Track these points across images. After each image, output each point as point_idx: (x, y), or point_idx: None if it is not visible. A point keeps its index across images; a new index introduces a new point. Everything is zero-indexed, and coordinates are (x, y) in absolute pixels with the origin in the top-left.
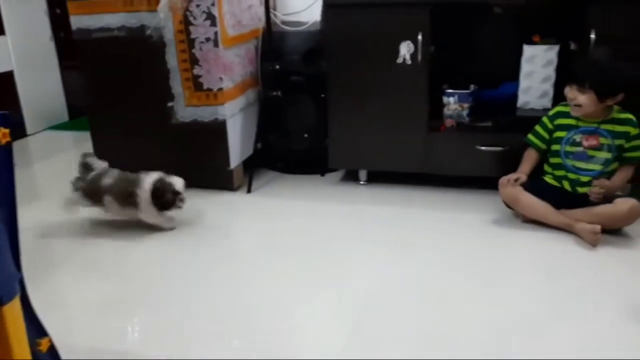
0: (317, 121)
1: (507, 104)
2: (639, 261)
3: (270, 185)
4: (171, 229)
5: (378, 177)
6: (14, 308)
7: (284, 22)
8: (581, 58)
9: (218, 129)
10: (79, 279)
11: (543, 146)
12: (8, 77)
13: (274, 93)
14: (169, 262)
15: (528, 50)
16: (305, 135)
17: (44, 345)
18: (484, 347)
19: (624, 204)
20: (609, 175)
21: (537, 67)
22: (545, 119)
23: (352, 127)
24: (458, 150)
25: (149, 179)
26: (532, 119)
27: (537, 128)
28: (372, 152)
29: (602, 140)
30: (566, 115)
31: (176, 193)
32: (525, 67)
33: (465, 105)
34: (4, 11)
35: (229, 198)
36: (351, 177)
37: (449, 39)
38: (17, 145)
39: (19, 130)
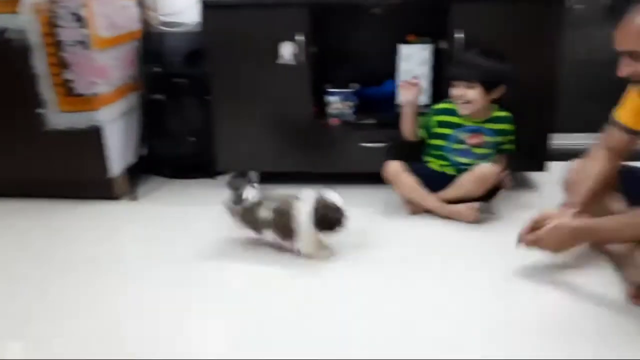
0: (203, 124)
1: (389, 102)
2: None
3: (158, 192)
4: (327, 258)
5: (269, 177)
6: None
7: (164, 24)
8: (460, 57)
9: (95, 136)
10: None
11: (424, 134)
12: None
13: (157, 96)
14: (60, 275)
15: (403, 49)
16: (192, 139)
17: None
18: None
19: (480, 167)
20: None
21: (413, 66)
22: (430, 113)
23: (237, 128)
24: (343, 147)
25: (306, 205)
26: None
27: (421, 119)
28: (259, 152)
29: (486, 138)
30: (451, 112)
31: (339, 210)
32: (402, 65)
33: (349, 103)
34: None
35: (111, 208)
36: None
37: (331, 39)
38: None
39: None
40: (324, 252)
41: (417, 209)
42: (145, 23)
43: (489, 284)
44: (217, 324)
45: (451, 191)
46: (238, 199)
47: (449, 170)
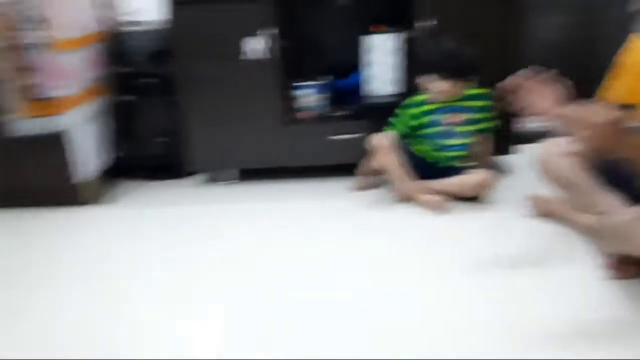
0: (174, 123)
1: (358, 93)
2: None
3: (133, 195)
4: None
5: (244, 175)
6: None
7: (128, 23)
8: (428, 48)
9: (60, 141)
10: None
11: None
12: None
13: (126, 97)
14: (18, 285)
15: (367, 40)
16: (163, 139)
17: None
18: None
19: (475, 176)
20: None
21: (379, 56)
22: (403, 109)
23: (208, 127)
24: (315, 140)
25: None
26: (379, 105)
27: (396, 118)
28: (232, 150)
29: (464, 115)
30: (423, 102)
31: None
32: (366, 56)
33: (322, 96)
34: None
35: (81, 213)
36: (218, 178)
37: (299, 33)
38: None
39: None
40: None
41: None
42: (110, 23)
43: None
44: (200, 328)
45: (442, 186)
46: None
47: (441, 159)
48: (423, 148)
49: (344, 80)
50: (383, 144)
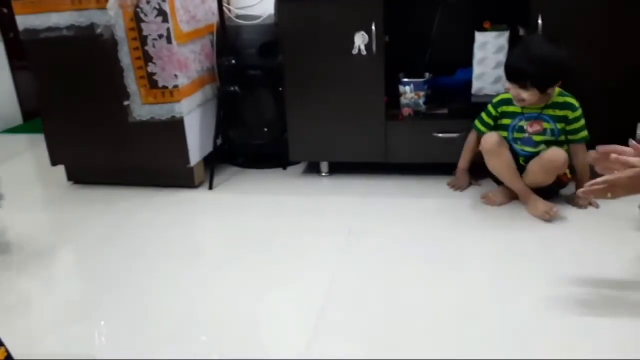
0: (276, 115)
1: (463, 91)
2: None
3: (232, 181)
4: None
5: (340, 168)
6: None
7: (238, 16)
8: (515, 52)
9: (176, 127)
10: (41, 285)
11: (487, 132)
12: None
13: (232, 88)
14: (136, 259)
15: (479, 37)
16: (265, 129)
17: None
18: (452, 330)
19: (547, 153)
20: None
21: (489, 54)
22: (490, 107)
23: (310, 119)
24: (416, 138)
25: None
26: (486, 104)
27: (483, 115)
28: (332, 143)
29: (545, 125)
30: (510, 102)
31: None
32: (477, 53)
33: (422, 93)
34: None
35: (190, 195)
36: (313, 169)
37: (404, 28)
38: None
39: None
40: None
41: (492, 200)
42: (221, 16)
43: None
44: (292, 310)
45: (529, 174)
46: None
47: (519, 160)
48: None
49: (447, 77)
50: (496, 141)
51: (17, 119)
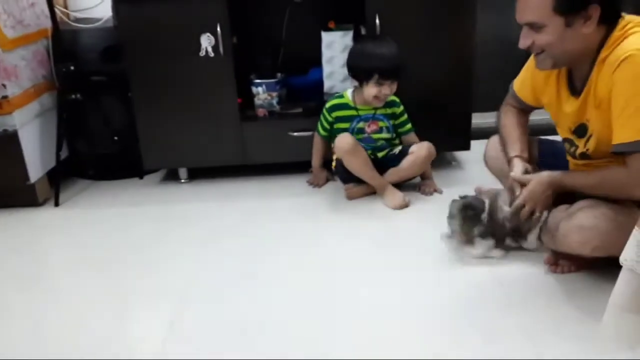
0: (127, 122)
1: (316, 90)
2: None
3: (83, 195)
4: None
5: (200, 174)
6: None
7: (75, 20)
8: (375, 52)
9: (10, 141)
10: None
11: (328, 135)
12: None
13: (73, 96)
14: None
15: (326, 36)
16: (115, 138)
17: None
18: (315, 328)
19: (421, 149)
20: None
21: (336, 52)
22: (325, 112)
23: (163, 125)
24: (271, 138)
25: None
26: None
27: (321, 119)
28: (188, 148)
29: (381, 123)
30: (344, 106)
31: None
32: (325, 53)
33: (274, 93)
34: None
35: (33, 215)
36: (172, 176)
37: (253, 29)
38: None
39: None
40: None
41: (354, 194)
42: (56, 20)
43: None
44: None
45: (391, 176)
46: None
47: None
48: None
49: (300, 77)
50: (351, 142)
51: None
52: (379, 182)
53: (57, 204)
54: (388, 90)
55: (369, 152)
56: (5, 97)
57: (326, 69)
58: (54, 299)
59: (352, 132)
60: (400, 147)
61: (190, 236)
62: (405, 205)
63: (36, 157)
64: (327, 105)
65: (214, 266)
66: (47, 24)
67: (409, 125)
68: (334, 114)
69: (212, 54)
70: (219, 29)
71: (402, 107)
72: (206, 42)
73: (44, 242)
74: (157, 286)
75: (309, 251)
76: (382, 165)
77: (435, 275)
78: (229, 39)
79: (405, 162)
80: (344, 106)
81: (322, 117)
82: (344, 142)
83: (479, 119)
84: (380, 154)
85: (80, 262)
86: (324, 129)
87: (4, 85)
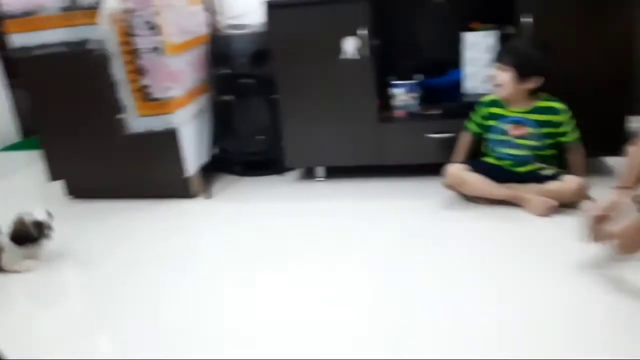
0: (271, 122)
1: (455, 91)
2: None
3: (230, 190)
4: (30, 269)
5: (336, 172)
6: None
7: (229, 26)
8: (508, 44)
9: (171, 138)
10: (43, 299)
11: (479, 131)
12: None
13: (226, 97)
14: (136, 271)
15: (469, 37)
16: (261, 137)
17: None
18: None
19: (572, 182)
20: (541, 158)
21: (479, 53)
22: (479, 106)
23: (305, 125)
24: (409, 139)
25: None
26: (477, 103)
27: (473, 114)
28: (327, 148)
29: (529, 129)
30: (498, 104)
31: (39, 224)
32: (467, 53)
33: (414, 95)
34: None
35: (188, 206)
36: (309, 174)
37: (393, 32)
38: None
39: None
40: (26, 264)
41: (485, 201)
42: (213, 27)
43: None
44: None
45: (532, 191)
46: None
47: (504, 164)
48: (494, 155)
49: (439, 78)
50: (457, 172)
51: (14, 136)
52: (511, 193)
53: (208, 197)
54: (497, 74)
55: (509, 162)
56: (169, 98)
57: (467, 69)
58: (204, 282)
59: (497, 132)
60: (551, 171)
61: (329, 232)
62: (551, 211)
63: (191, 153)
64: (484, 99)
65: (359, 264)
66: (205, 30)
67: (572, 135)
68: (489, 110)
69: (354, 57)
70: (362, 32)
71: (564, 116)
72: (349, 45)
73: (197, 230)
74: (305, 276)
75: (441, 251)
76: (521, 180)
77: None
78: (371, 41)
79: (552, 185)
80: (498, 104)
81: (475, 112)
82: (449, 173)
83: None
84: (520, 169)
85: (230, 249)
86: (476, 123)
87: (168, 88)
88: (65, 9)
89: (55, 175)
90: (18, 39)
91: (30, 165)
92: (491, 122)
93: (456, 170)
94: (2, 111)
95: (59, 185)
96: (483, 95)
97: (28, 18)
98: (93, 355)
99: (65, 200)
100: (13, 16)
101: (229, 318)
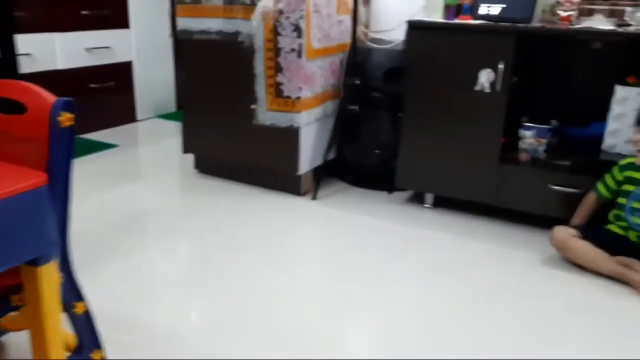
0: (391, 139)
1: (592, 145)
2: None
3: (337, 196)
4: None
5: (444, 202)
6: (49, 270)
7: (372, 39)
8: None
9: (292, 135)
10: (159, 257)
11: (608, 195)
12: (127, 66)
13: (352, 107)
14: (239, 251)
15: (620, 91)
16: (377, 151)
17: (79, 309)
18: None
19: None
20: None
21: (628, 110)
22: (615, 168)
23: (422, 148)
24: (529, 186)
25: None
26: (615, 163)
27: (607, 176)
28: (440, 176)
29: None
30: (637, 168)
31: None
32: (615, 108)
33: (543, 140)
34: (131, 8)
35: (294, 202)
36: (417, 198)
37: (538, 70)
38: (126, 129)
39: (130, 115)
40: None
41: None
42: (355, 37)
43: None
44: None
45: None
46: None
47: (631, 234)
48: (620, 224)
49: (579, 128)
50: (564, 236)
51: (172, 106)
52: (619, 271)
53: (314, 198)
54: (637, 138)
55: (636, 234)
56: (298, 98)
57: (612, 125)
58: (295, 276)
59: (633, 198)
60: None
61: (418, 264)
62: None
63: (308, 153)
64: (622, 162)
65: (428, 299)
66: (347, 39)
67: None
68: (626, 173)
69: (487, 90)
70: (500, 65)
71: None
72: (485, 77)
73: (298, 228)
74: (376, 299)
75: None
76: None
77: None
78: (509, 77)
79: None
80: (637, 168)
81: (608, 174)
82: (555, 236)
83: None
84: None
85: (322, 253)
86: (607, 187)
87: (300, 88)
88: (227, 2)
89: (188, 148)
90: (184, 23)
91: (175, 136)
92: (628, 187)
93: (562, 234)
94: (167, 83)
95: (189, 158)
96: (623, 157)
97: (196, 5)
98: (179, 319)
99: (191, 173)
100: (183, 2)
101: (304, 317)
